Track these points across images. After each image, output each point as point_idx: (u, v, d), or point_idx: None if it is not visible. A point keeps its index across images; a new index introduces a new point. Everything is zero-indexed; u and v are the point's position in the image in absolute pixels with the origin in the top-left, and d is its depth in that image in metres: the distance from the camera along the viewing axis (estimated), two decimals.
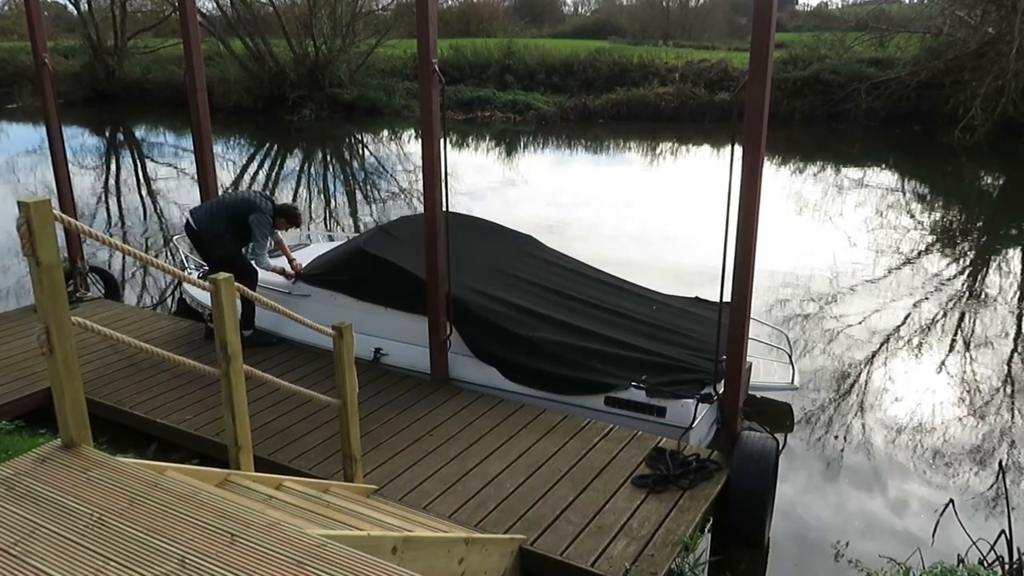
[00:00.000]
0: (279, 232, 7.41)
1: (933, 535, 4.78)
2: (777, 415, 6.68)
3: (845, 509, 5.50)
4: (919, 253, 11.65)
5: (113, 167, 20.03)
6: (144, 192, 16.90)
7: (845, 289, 9.95)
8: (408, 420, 5.86)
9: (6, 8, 43.65)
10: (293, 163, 20.28)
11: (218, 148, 19.50)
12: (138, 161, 21.04)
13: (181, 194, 15.92)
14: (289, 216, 7.21)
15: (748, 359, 5.42)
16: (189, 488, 2.83)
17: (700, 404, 5.63)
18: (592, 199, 14.98)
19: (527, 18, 45.50)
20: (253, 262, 7.15)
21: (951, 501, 4.91)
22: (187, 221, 7.13)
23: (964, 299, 9.73)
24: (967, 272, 10.90)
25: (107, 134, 25.69)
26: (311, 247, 8.70)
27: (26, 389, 6.34)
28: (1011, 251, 12.09)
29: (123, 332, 3.65)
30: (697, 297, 7.45)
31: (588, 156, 20.79)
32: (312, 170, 19.30)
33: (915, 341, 8.36)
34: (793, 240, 11.84)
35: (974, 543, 4.30)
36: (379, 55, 29.22)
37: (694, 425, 5.57)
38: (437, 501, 4.83)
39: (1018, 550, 4.05)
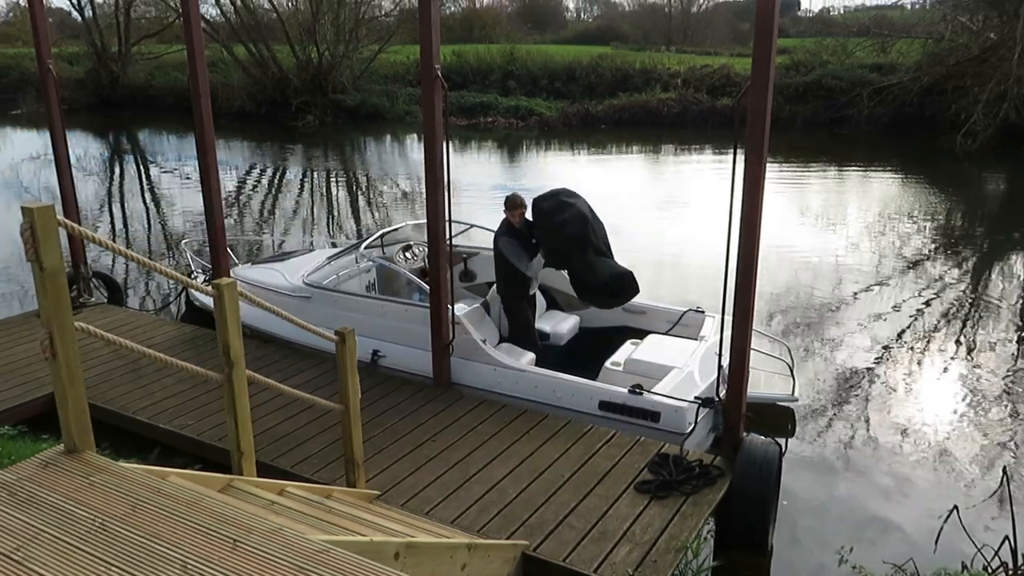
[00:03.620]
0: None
1: (936, 542, 4.77)
2: (779, 421, 6.66)
3: (848, 515, 5.48)
4: (921, 258, 11.63)
5: (117, 173, 20.10)
6: (148, 197, 16.95)
7: (847, 295, 9.94)
8: (410, 425, 5.86)
9: (11, 15, 43.88)
10: (296, 168, 20.33)
11: (221, 154, 19.53)
12: (142, 166, 21.11)
13: (185, 199, 15.95)
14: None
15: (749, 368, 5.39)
16: (191, 493, 2.83)
17: (701, 408, 5.61)
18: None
19: (530, 24, 45.58)
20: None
21: (955, 507, 4.89)
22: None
23: (967, 305, 9.71)
24: (969, 278, 10.89)
25: (111, 140, 25.78)
26: (314, 252, 8.72)
27: (29, 394, 6.35)
28: (1013, 257, 12.08)
29: (126, 337, 3.66)
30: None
31: (591, 160, 20.82)
32: (315, 175, 19.34)
33: (918, 347, 8.35)
34: (796, 246, 11.84)
35: (978, 550, 4.29)
36: (382, 61, 29.31)
37: (692, 430, 5.54)
38: (440, 507, 4.83)
39: (1022, 556, 4.04)
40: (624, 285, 6.37)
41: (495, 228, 8.09)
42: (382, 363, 6.75)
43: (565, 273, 7.46)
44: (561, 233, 6.32)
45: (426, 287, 6.53)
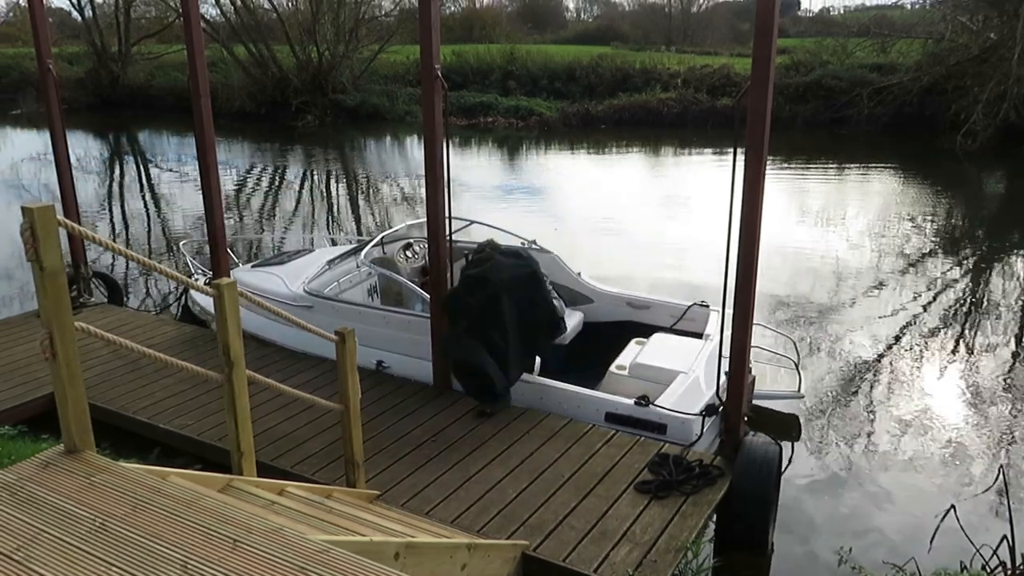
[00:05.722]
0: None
1: (931, 541, 4.78)
2: (783, 424, 6.65)
3: (848, 515, 5.48)
4: (921, 258, 11.63)
5: (117, 173, 20.10)
6: (148, 197, 16.96)
7: (848, 295, 9.93)
8: (410, 426, 5.86)
9: (11, 15, 43.88)
10: (296, 168, 20.32)
11: (221, 154, 19.54)
12: (142, 167, 21.11)
13: (185, 199, 15.96)
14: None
15: (753, 365, 5.39)
16: (191, 493, 2.83)
17: (706, 417, 5.58)
18: (595, 202, 14.99)
19: (530, 24, 45.58)
20: None
21: (953, 507, 4.90)
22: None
23: (966, 304, 9.72)
24: (969, 278, 10.89)
25: (111, 140, 25.78)
26: (314, 253, 8.70)
27: (29, 394, 6.35)
28: (1013, 256, 12.07)
29: (126, 337, 3.66)
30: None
31: (591, 160, 20.82)
32: (315, 175, 19.34)
33: (918, 348, 8.35)
34: (796, 245, 11.83)
35: (977, 550, 4.29)
36: (382, 61, 29.30)
37: (698, 439, 5.53)
38: (439, 507, 4.83)
39: (1021, 555, 4.04)
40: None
41: (495, 224, 8.10)
42: (387, 373, 6.72)
43: (569, 268, 7.39)
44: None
45: (427, 296, 6.49)
